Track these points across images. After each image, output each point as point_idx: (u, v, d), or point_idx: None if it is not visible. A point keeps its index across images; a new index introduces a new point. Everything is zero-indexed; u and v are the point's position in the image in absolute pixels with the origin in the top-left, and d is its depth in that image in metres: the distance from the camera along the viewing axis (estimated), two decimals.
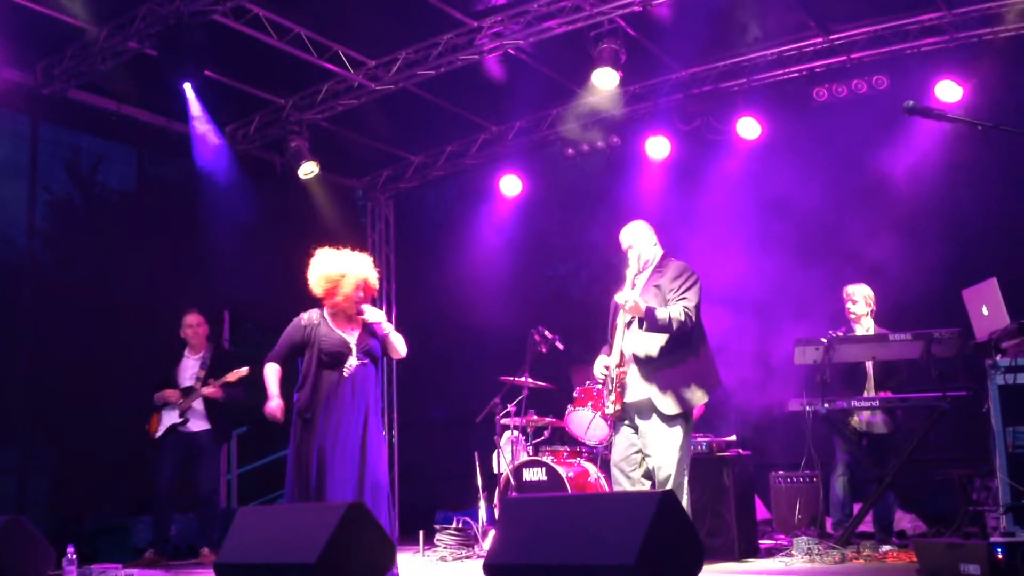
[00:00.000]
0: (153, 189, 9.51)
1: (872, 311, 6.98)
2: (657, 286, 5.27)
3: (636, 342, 5.22)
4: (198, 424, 7.45)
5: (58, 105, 8.40)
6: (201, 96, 8.45)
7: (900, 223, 8.09)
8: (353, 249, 5.55)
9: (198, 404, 7.43)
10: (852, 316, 6.98)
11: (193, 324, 7.67)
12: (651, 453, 5.14)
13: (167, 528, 7.37)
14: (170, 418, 7.42)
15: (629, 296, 5.11)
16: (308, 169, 9.31)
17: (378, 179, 11.17)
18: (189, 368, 7.58)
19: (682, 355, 5.15)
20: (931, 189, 8.08)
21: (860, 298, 6.95)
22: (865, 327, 6.95)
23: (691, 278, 5.26)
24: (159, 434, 7.42)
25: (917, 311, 7.36)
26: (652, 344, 5.18)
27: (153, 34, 7.57)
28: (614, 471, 5.33)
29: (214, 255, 8.93)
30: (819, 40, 8.39)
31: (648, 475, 5.20)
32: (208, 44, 7.64)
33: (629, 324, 5.23)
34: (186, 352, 7.67)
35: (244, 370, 7.29)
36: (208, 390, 7.35)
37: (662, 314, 5.05)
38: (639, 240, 5.46)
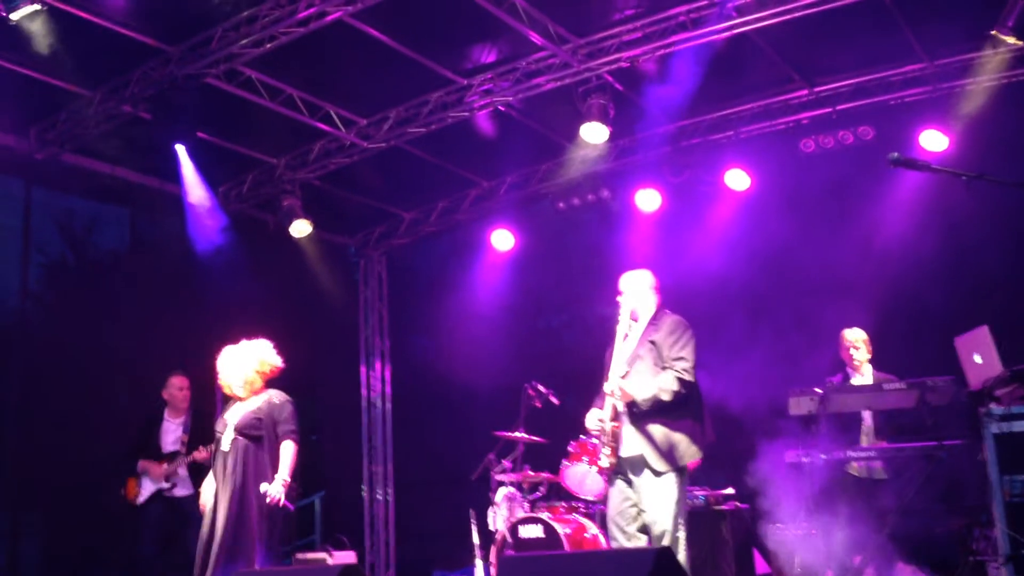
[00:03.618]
0: (146, 250, 9.54)
1: (868, 354, 6.99)
2: (652, 342, 5.23)
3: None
4: (184, 489, 7.30)
5: (52, 168, 8.46)
6: (194, 157, 8.51)
7: (890, 271, 8.12)
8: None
9: (182, 469, 7.30)
10: (855, 363, 6.98)
11: (181, 387, 7.54)
12: (646, 508, 5.08)
13: None
14: (155, 484, 7.27)
15: (614, 385, 5.11)
16: (301, 227, 9.35)
17: (371, 236, 11.21)
18: (171, 432, 7.44)
19: (675, 411, 5.10)
20: (920, 237, 8.10)
21: (861, 344, 6.97)
22: (863, 372, 6.95)
23: (686, 334, 5.22)
24: (142, 499, 7.26)
25: (909, 359, 7.34)
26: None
27: (147, 97, 7.66)
28: (610, 526, 5.27)
29: (207, 316, 8.92)
30: (804, 92, 8.51)
31: (644, 529, 5.14)
32: (201, 106, 7.73)
33: (624, 376, 5.21)
34: (167, 415, 7.52)
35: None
36: (201, 455, 7.15)
37: (650, 393, 5.04)
38: (629, 290, 5.45)
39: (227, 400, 6.05)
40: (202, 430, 7.36)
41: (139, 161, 8.84)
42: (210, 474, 5.87)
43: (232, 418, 5.85)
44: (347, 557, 8.40)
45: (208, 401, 7.72)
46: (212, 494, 5.74)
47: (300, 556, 8.20)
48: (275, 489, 5.63)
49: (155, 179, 9.03)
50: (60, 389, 8.32)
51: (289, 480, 5.74)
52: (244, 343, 6.04)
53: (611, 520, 5.26)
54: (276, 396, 5.94)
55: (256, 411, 5.83)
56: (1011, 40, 6.81)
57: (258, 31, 7.17)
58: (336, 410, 11.09)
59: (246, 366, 5.93)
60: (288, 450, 5.78)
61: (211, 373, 6.10)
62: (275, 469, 5.73)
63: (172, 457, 7.31)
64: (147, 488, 7.28)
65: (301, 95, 8.32)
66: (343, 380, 11.12)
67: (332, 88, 8.41)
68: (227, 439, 5.76)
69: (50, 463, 8.08)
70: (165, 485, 7.23)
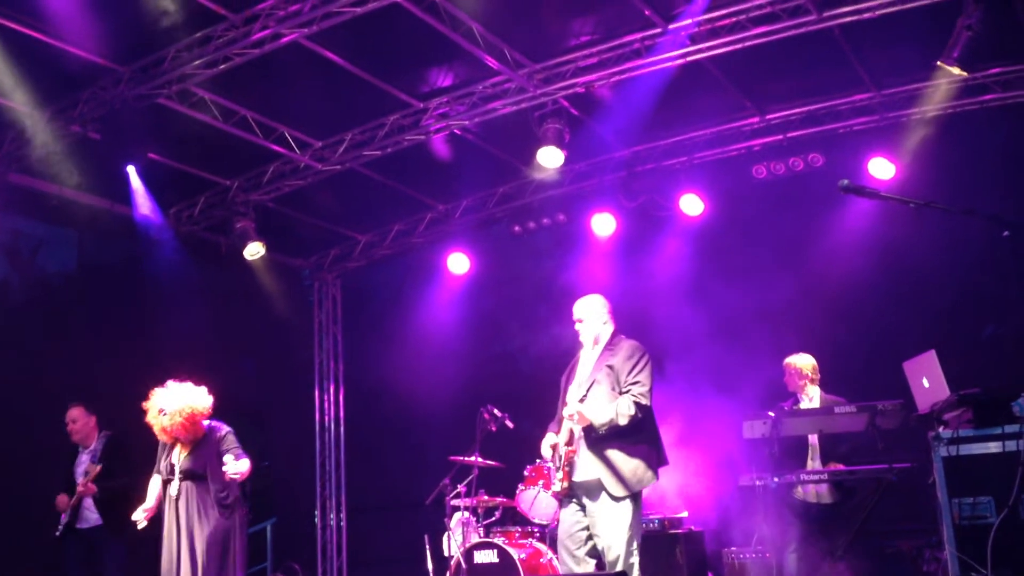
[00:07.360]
0: (95, 273, 9.33)
1: (814, 379, 7.05)
2: (610, 366, 5.25)
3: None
4: (90, 520, 7.17)
5: None
6: (145, 178, 8.38)
7: (840, 296, 8.24)
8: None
9: (87, 500, 7.16)
10: (793, 388, 7.06)
11: (74, 419, 7.35)
12: (600, 534, 5.08)
13: None
14: (65, 517, 7.18)
15: (573, 409, 5.11)
16: (254, 250, 9.25)
17: (325, 259, 11.13)
18: (82, 464, 7.31)
19: (631, 435, 5.11)
20: (868, 263, 8.25)
21: (796, 371, 7.03)
22: (810, 396, 7.02)
23: (643, 359, 5.25)
24: (58, 532, 7.16)
25: (859, 383, 7.44)
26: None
27: (97, 117, 7.54)
28: (560, 549, 5.26)
29: (158, 340, 8.76)
30: (756, 120, 8.65)
31: (594, 553, 5.13)
32: (152, 127, 7.63)
33: (582, 400, 5.21)
34: (81, 447, 7.40)
35: (96, 468, 7.08)
36: (80, 489, 7.09)
37: (607, 418, 5.04)
38: (589, 315, 5.46)
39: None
40: (115, 453, 7.22)
41: (88, 182, 8.66)
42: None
43: (178, 462, 5.90)
44: None
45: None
46: (172, 542, 5.75)
47: None
48: (240, 466, 5.76)
49: (105, 200, 8.87)
50: (4, 414, 8.11)
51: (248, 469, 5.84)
52: (172, 398, 5.96)
53: (561, 544, 5.26)
54: (215, 432, 6.00)
55: (203, 453, 5.91)
56: (956, 71, 6.97)
57: (212, 52, 7.11)
58: (289, 434, 10.94)
59: (191, 421, 5.92)
60: (245, 462, 5.87)
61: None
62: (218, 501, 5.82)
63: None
64: (62, 521, 7.18)
65: (255, 116, 8.25)
66: (296, 404, 10.99)
67: (287, 110, 8.36)
68: (175, 484, 5.83)
69: None
70: (65, 519, 7.13)
